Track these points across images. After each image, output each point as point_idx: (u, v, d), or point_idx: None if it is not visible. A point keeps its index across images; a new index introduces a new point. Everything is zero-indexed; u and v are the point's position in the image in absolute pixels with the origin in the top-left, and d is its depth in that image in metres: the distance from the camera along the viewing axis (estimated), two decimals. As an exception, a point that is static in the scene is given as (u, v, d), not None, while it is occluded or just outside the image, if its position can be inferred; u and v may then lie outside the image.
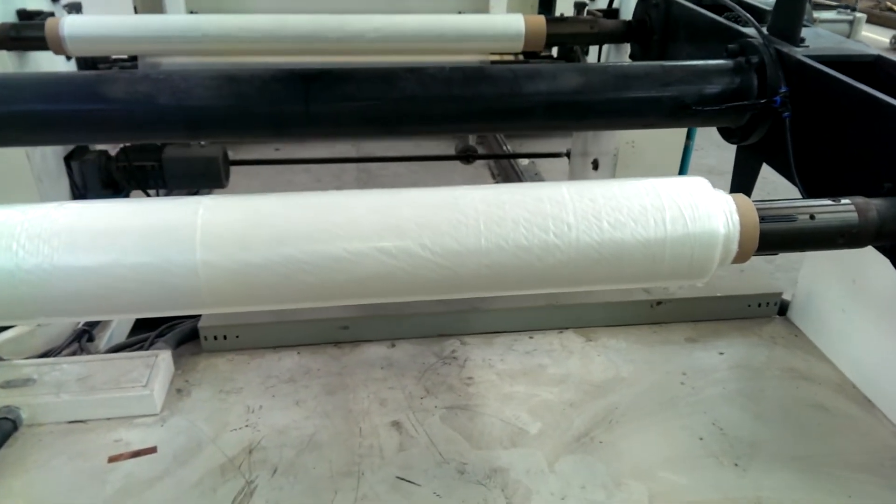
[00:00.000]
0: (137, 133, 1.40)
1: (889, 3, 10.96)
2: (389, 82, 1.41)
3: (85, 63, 2.33)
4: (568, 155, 3.01)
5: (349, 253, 0.94)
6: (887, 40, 9.83)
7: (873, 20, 10.80)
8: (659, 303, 1.96)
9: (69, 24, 1.90)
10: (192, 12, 3.15)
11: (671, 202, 1.00)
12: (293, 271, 0.93)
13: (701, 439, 1.57)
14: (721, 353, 1.87)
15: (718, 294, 1.99)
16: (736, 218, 1.03)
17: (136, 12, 3.49)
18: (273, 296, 0.95)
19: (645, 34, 2.10)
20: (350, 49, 1.94)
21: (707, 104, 1.45)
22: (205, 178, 2.29)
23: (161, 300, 0.91)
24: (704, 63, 1.51)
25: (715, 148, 4.27)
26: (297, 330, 1.86)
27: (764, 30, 1.55)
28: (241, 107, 1.36)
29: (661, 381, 1.76)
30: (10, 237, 0.88)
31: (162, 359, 1.72)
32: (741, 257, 1.07)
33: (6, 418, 1.55)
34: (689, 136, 2.52)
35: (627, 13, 2.27)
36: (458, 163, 3.06)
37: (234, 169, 2.44)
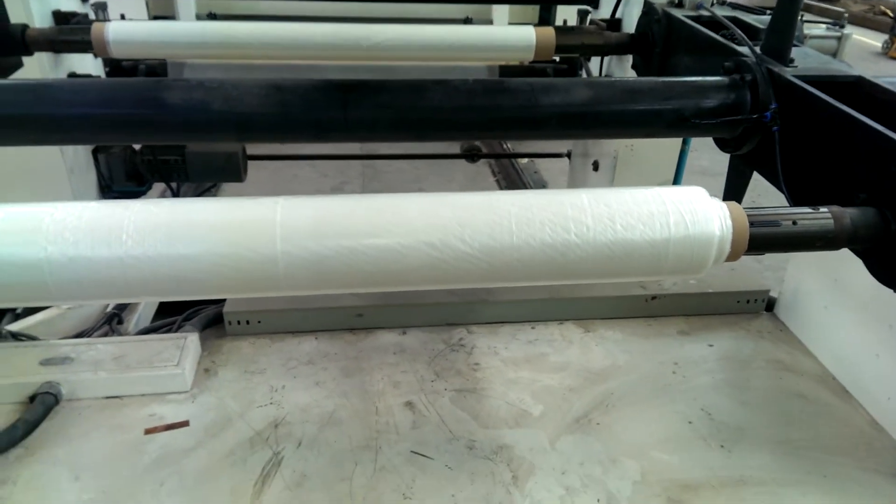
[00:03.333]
0: (193, 135, 1.55)
1: (883, 7, 11.21)
2: (418, 92, 1.57)
3: (110, 63, 2.48)
4: (569, 156, 3.17)
5: (402, 246, 1.11)
6: (879, 44, 10.08)
7: (867, 24, 11.04)
8: (653, 297, 2.07)
9: (114, 30, 2.06)
10: (210, 14, 3.29)
11: (674, 208, 1.18)
12: (355, 261, 1.10)
13: (690, 423, 1.68)
14: (711, 346, 1.98)
15: (710, 290, 2.10)
16: (729, 222, 1.22)
17: (147, 11, 3.63)
18: (337, 281, 1.13)
19: (647, 47, 2.26)
20: (370, 56, 2.11)
21: (704, 117, 1.63)
22: (225, 172, 2.43)
23: (245, 284, 1.08)
24: (703, 79, 1.69)
25: (708, 150, 4.49)
26: (314, 316, 1.97)
27: (757, 49, 1.71)
28: (286, 113, 1.52)
29: (654, 369, 1.87)
30: (119, 229, 1.05)
31: (191, 340, 1.82)
32: (733, 256, 1.25)
33: (48, 393, 1.65)
34: (685, 141, 2.68)
35: (628, 24, 2.44)
36: (459, 160, 3.21)
37: (244, 162, 2.56)
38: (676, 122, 1.64)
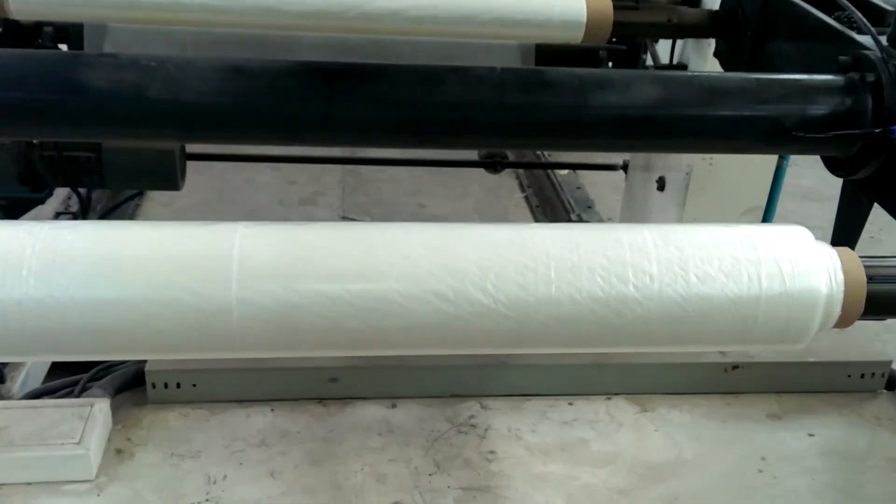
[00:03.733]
0: (118, 130, 1.57)
1: None
2: (429, 83, 1.59)
3: (3, 24, 2.48)
4: (625, 168, 3.21)
5: (402, 296, 1.13)
6: None
7: None
8: (735, 367, 2.10)
9: (14, -19, 2.09)
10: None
11: (768, 255, 1.21)
12: (338, 314, 1.12)
13: (783, 543, 1.72)
14: (811, 435, 2.01)
15: (811, 360, 2.12)
16: (840, 276, 1.24)
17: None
18: (311, 341, 1.14)
19: (735, 29, 2.29)
20: (365, 28, 2.13)
21: (809, 129, 1.64)
22: (155, 176, 2.46)
23: (186, 342, 1.10)
24: (809, 78, 1.71)
25: (813, 166, 4.52)
26: (271, 380, 1.98)
27: (883, 40, 1.75)
28: (249, 105, 1.53)
29: (734, 466, 1.90)
30: (18, 262, 1.06)
31: (98, 409, 1.82)
32: (844, 321, 1.27)
33: None
34: (783, 155, 2.73)
35: (712, 2, 2.48)
36: (477, 169, 3.24)
37: (181, 163, 2.59)
38: (772, 133, 1.66)
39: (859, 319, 1.30)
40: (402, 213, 4.11)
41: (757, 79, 1.73)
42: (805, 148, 1.74)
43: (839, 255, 1.27)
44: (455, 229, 1.22)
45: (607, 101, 1.64)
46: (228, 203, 4.09)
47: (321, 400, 2.02)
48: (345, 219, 3.99)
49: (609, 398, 2.09)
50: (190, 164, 2.69)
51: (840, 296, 1.25)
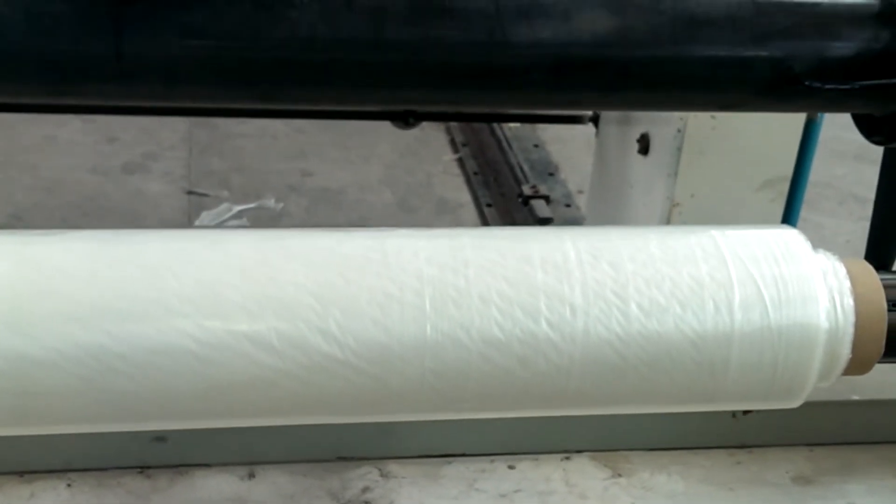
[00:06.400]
0: None
1: None
2: (268, 9, 1.58)
3: None
4: (594, 121, 3.24)
5: (198, 343, 1.11)
6: None
7: None
8: (746, 412, 2.14)
9: None
10: None
11: (742, 272, 1.20)
12: (100, 372, 1.10)
13: None
14: None
15: (854, 398, 2.19)
16: (849, 302, 1.24)
17: None
18: (58, 415, 1.12)
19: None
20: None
21: (830, 77, 1.65)
22: None
23: None
24: (829, 2, 1.74)
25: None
26: (68, 441, 1.98)
27: None
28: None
29: None
30: None
31: None
32: (858, 366, 1.28)
33: None
34: (814, 103, 2.74)
35: None
36: (385, 123, 3.22)
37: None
38: (776, 83, 1.66)
39: (880, 362, 1.30)
40: (275, 184, 4.05)
41: (755, 2, 1.73)
42: (824, 103, 1.77)
43: (849, 272, 1.27)
44: (279, 237, 1.20)
45: (536, 37, 1.63)
46: (15, 171, 4.04)
47: (142, 469, 2.04)
48: (191, 194, 3.95)
49: (567, 457, 2.13)
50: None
51: (849, 330, 1.25)
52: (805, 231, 1.28)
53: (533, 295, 1.18)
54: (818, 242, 1.27)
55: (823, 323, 1.23)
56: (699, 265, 1.21)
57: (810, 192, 2.78)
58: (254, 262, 1.17)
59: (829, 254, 1.29)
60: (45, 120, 4.11)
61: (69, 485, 1.99)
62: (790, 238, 1.27)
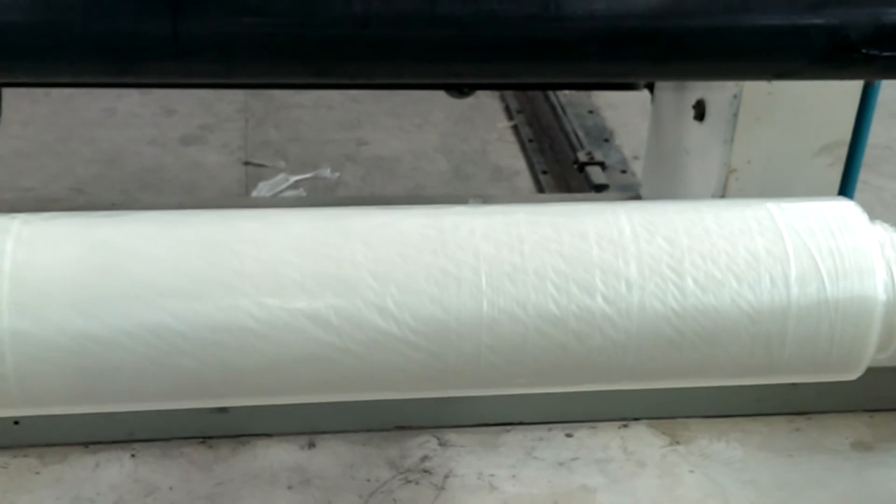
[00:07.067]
0: None
1: None
2: None
3: None
4: (650, 87, 3.24)
5: (258, 321, 1.12)
6: None
7: None
8: None
9: None
10: None
11: (799, 246, 1.20)
12: (162, 351, 1.11)
13: None
14: None
15: None
16: (907, 275, 1.23)
17: None
18: (125, 392, 1.14)
19: None
20: None
21: (887, 44, 1.64)
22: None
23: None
24: (887, -34, 1.71)
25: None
26: (132, 413, 1.92)
27: None
28: (57, 24, 1.52)
29: None
30: None
31: None
32: (915, 343, 1.27)
33: None
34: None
35: None
36: (439, 91, 3.21)
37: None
38: (832, 51, 1.64)
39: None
40: (331, 154, 4.07)
41: (811, -31, 1.72)
42: (881, 70, 1.75)
43: (910, 242, 1.27)
44: (337, 216, 1.21)
45: (590, 10, 1.63)
46: (76, 144, 4.05)
47: (204, 439, 2.05)
48: (248, 165, 3.97)
49: (625, 425, 2.13)
50: (16, 91, 2.66)
51: (907, 303, 1.25)
52: (865, 194, 1.27)
53: (588, 270, 1.19)
54: (879, 205, 1.26)
55: (881, 295, 1.23)
56: (755, 239, 1.22)
57: (869, 154, 2.75)
58: (312, 240, 1.19)
59: (886, 225, 1.29)
60: (104, 93, 4.15)
61: (133, 455, 2.01)
62: (846, 210, 1.27)
